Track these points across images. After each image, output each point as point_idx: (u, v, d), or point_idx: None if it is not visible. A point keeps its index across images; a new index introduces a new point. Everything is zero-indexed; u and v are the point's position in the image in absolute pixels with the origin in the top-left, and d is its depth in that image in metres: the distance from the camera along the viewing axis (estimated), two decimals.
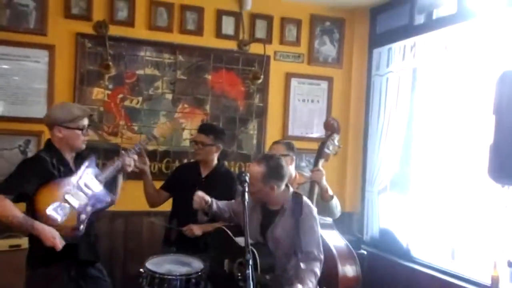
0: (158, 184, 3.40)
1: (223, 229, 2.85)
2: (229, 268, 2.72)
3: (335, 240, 3.22)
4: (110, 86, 3.93)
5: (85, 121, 2.70)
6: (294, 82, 4.44)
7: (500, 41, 3.21)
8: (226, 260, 2.75)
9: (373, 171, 4.38)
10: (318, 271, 2.54)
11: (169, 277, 2.68)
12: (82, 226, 2.55)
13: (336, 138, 3.26)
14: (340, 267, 3.02)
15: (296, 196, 2.71)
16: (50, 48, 3.73)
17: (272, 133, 4.33)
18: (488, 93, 2.95)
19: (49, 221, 2.47)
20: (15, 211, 2.44)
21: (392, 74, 4.20)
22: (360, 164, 4.59)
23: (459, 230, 3.55)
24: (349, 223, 4.53)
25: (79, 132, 2.66)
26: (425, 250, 3.81)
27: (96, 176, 2.67)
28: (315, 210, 2.74)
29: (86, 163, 2.68)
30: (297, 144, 3.91)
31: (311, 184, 3.15)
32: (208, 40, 4.16)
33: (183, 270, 2.77)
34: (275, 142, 3.53)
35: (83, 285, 2.66)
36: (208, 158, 3.33)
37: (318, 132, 4.50)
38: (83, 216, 2.57)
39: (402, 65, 4.09)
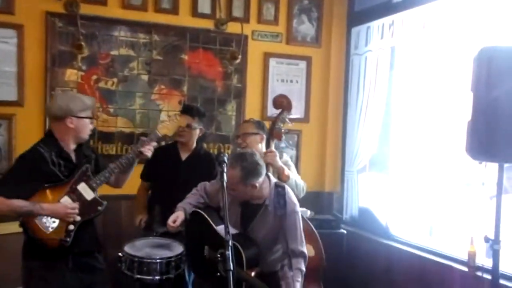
0: (137, 169, 3.32)
1: (201, 214, 2.73)
2: (210, 256, 2.59)
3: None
4: (84, 67, 3.81)
5: (93, 111, 2.71)
6: (272, 62, 4.38)
7: (477, 18, 3.20)
8: (206, 247, 2.63)
9: (352, 151, 4.39)
10: (303, 267, 2.57)
11: (148, 260, 2.63)
12: (69, 239, 2.49)
13: (287, 115, 3.15)
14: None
15: (279, 188, 2.64)
16: (18, 27, 3.58)
17: (251, 114, 4.26)
18: (466, 70, 2.96)
19: (36, 230, 2.45)
20: (18, 202, 2.41)
21: (371, 53, 4.18)
22: (340, 144, 4.60)
23: (437, 208, 3.60)
24: (328, 203, 4.56)
25: (88, 121, 2.60)
26: (404, 228, 3.85)
27: (90, 184, 2.58)
28: (297, 204, 2.70)
29: (81, 169, 2.58)
30: None
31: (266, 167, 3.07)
32: (184, 19, 4.06)
33: (163, 253, 2.72)
34: (245, 121, 3.49)
35: (81, 275, 2.59)
36: (191, 140, 3.28)
37: (297, 113, 4.47)
38: (71, 227, 2.51)
39: (380, 43, 4.07)
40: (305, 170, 4.53)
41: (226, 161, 2.35)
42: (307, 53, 4.49)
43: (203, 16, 4.12)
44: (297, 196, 3.16)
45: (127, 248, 2.74)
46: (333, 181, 4.61)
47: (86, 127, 2.61)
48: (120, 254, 2.72)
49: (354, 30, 4.41)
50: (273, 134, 3.10)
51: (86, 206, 2.55)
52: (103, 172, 2.62)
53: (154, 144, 2.78)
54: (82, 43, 3.70)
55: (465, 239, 3.15)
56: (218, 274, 2.41)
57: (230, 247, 2.04)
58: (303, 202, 4.21)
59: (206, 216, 2.67)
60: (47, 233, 2.46)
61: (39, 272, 2.51)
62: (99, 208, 2.60)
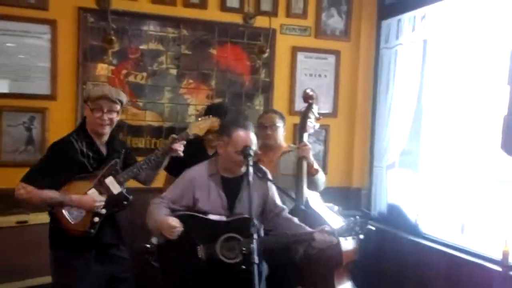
0: None
1: (185, 215, 2.57)
2: (206, 253, 2.46)
3: (331, 216, 3.17)
4: (114, 62, 3.86)
5: (102, 104, 2.53)
6: (300, 56, 4.35)
7: None
8: (198, 247, 2.47)
9: (381, 147, 4.32)
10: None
11: None
12: (93, 230, 2.53)
13: (316, 108, 3.22)
14: (341, 243, 3.00)
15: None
16: (51, 23, 3.66)
17: (278, 109, 4.21)
18: (502, 63, 2.86)
19: (62, 220, 2.50)
20: (49, 193, 2.47)
21: (402, 46, 4.09)
22: (368, 140, 4.53)
23: (469, 205, 3.51)
24: (356, 199, 4.50)
25: (90, 112, 2.57)
26: (434, 225, 3.77)
27: (117, 178, 2.60)
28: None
29: (110, 163, 2.61)
30: None
31: (299, 160, 3.08)
32: (212, 13, 4.07)
33: None
34: (267, 112, 3.49)
35: (105, 265, 2.64)
36: None
37: (325, 107, 4.43)
38: (96, 219, 2.55)
39: (412, 37, 3.97)
40: (332, 166, 4.50)
41: (252, 154, 2.36)
42: (336, 47, 4.43)
43: (232, 10, 4.11)
44: (319, 189, 3.17)
45: (155, 240, 2.77)
46: (361, 176, 4.55)
47: (90, 117, 2.58)
48: (147, 245, 2.76)
49: (384, 23, 4.33)
50: (305, 128, 3.13)
51: (112, 200, 2.59)
52: (131, 168, 2.65)
53: (184, 142, 2.76)
54: (113, 38, 3.74)
55: (499, 238, 3.06)
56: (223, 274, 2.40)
57: (254, 239, 2.04)
58: (329, 198, 4.20)
59: (192, 213, 2.55)
60: (72, 223, 2.50)
61: (64, 261, 2.56)
62: (125, 202, 2.63)
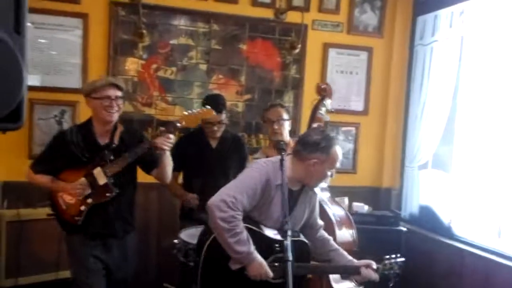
0: None
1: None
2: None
3: (332, 205, 3.20)
4: (144, 56, 3.86)
5: (108, 91, 2.60)
6: (332, 52, 4.26)
7: None
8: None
9: (413, 146, 4.20)
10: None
11: None
12: (79, 218, 2.62)
13: (329, 102, 3.28)
14: (337, 232, 3.03)
15: None
16: (83, 16, 3.67)
17: (308, 106, 4.10)
18: None
19: (56, 204, 2.67)
20: (41, 178, 2.67)
21: (437, 43, 3.96)
22: (400, 139, 4.41)
23: (506, 208, 3.36)
24: (386, 199, 4.40)
25: (99, 102, 2.60)
26: (469, 228, 3.63)
27: (104, 169, 2.62)
28: None
29: (100, 155, 2.64)
30: (335, 118, 3.82)
31: None
32: (243, 8, 4.02)
33: None
34: (274, 105, 3.36)
35: (101, 253, 2.68)
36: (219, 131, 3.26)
37: (356, 105, 4.34)
38: (82, 207, 2.63)
39: (448, 33, 3.84)
40: (362, 165, 4.41)
41: (285, 148, 2.29)
42: (369, 43, 4.33)
43: (263, 5, 4.06)
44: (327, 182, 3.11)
45: (183, 236, 2.75)
46: (392, 177, 4.44)
47: (99, 108, 2.61)
48: (175, 241, 2.73)
49: (420, 19, 4.20)
50: (314, 119, 3.18)
51: (98, 191, 2.62)
52: (117, 160, 2.63)
53: (170, 136, 2.62)
54: (143, 32, 3.73)
55: None
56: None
57: (288, 236, 1.98)
58: (359, 197, 4.12)
59: (250, 226, 2.27)
60: (63, 208, 2.65)
61: (67, 243, 2.74)
62: (108, 194, 2.63)
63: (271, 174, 2.25)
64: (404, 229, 3.86)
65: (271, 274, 2.20)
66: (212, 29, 3.98)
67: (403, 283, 3.78)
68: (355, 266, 2.38)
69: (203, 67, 4.00)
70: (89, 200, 2.62)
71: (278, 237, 2.25)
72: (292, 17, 4.07)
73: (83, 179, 2.61)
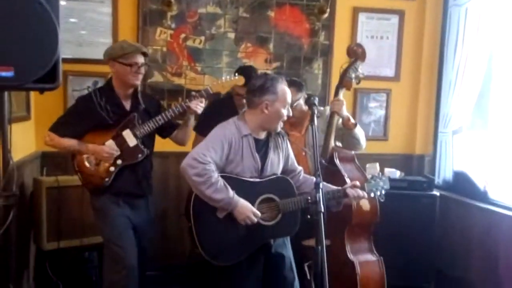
0: None
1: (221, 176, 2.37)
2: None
3: (353, 173, 2.98)
4: (173, 26, 3.88)
5: (137, 58, 2.69)
6: (362, 17, 4.18)
7: None
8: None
9: (447, 111, 4.10)
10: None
11: None
12: (108, 179, 2.67)
13: (360, 65, 3.04)
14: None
15: None
16: None
17: (338, 73, 4.03)
18: None
19: (82, 166, 2.71)
20: (68, 141, 2.69)
21: (472, 3, 3.83)
22: (433, 104, 4.32)
23: None
24: (419, 166, 4.34)
25: (128, 68, 2.66)
26: (505, 192, 3.55)
27: (133, 131, 2.69)
28: None
29: (128, 117, 2.71)
30: (365, 84, 3.73)
31: (330, 115, 2.95)
32: None
33: None
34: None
35: (130, 214, 2.77)
36: None
37: (387, 72, 4.26)
38: (112, 169, 2.68)
39: None
40: (394, 131, 4.35)
41: (317, 103, 2.30)
42: (400, 6, 4.21)
43: None
44: (360, 147, 3.03)
45: None
46: (425, 143, 4.36)
47: (126, 73, 2.67)
48: None
49: None
50: (342, 83, 3.03)
51: (128, 152, 2.69)
52: (147, 122, 2.71)
53: (203, 100, 2.79)
54: (172, 0, 3.74)
55: None
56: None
57: (320, 189, 2.01)
58: (391, 164, 4.07)
59: (229, 174, 2.36)
60: (91, 169, 2.69)
61: (95, 205, 2.78)
62: (139, 155, 2.71)
63: (235, 128, 2.38)
64: (438, 193, 3.80)
65: (258, 213, 2.31)
66: None
67: (438, 248, 3.78)
68: (342, 189, 2.46)
69: (231, 35, 3.99)
70: (119, 161, 2.69)
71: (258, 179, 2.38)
72: None
73: (111, 141, 2.68)
